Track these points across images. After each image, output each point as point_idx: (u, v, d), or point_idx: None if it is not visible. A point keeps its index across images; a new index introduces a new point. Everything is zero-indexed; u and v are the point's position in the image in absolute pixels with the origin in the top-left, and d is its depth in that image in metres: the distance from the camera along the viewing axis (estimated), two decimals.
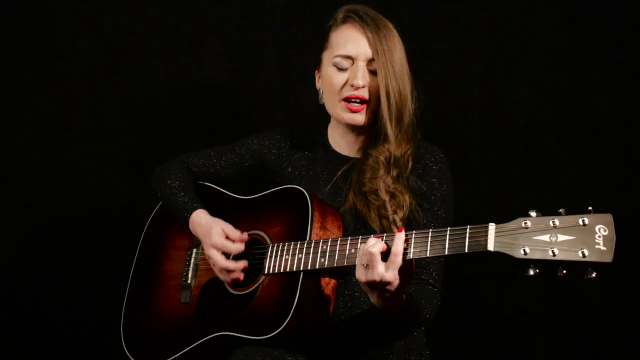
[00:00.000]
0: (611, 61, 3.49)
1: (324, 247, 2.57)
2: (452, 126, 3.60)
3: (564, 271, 2.11)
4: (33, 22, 3.63)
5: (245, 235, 2.75)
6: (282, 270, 2.63)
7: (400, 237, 2.36)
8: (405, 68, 2.79)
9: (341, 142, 2.91)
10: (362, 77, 2.75)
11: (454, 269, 2.83)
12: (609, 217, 2.09)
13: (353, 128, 2.84)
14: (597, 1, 3.48)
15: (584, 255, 2.06)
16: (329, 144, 2.94)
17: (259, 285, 2.68)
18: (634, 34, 3.46)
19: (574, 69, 3.52)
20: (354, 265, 2.44)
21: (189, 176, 3.00)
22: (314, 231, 2.64)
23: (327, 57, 2.83)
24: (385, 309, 2.45)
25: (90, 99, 3.67)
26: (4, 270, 3.64)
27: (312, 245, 2.60)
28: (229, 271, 2.72)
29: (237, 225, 2.79)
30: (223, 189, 2.99)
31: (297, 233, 2.67)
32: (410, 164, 2.77)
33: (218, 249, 2.74)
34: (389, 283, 2.35)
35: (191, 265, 2.90)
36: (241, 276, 2.72)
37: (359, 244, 2.50)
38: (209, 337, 2.70)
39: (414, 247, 2.36)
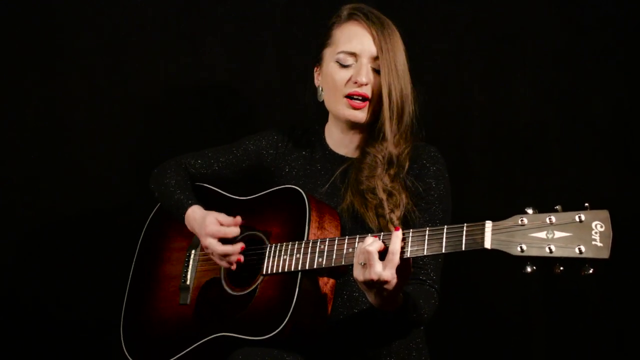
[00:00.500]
0: (611, 61, 3.48)
1: (322, 246, 2.57)
2: (452, 126, 3.59)
3: (561, 268, 2.10)
4: (33, 22, 3.63)
5: (238, 219, 2.75)
6: (280, 271, 2.63)
7: (397, 235, 2.36)
8: (407, 69, 2.80)
9: (339, 142, 2.91)
10: (366, 74, 2.75)
11: (451, 267, 2.82)
12: (605, 214, 2.08)
13: (352, 126, 2.84)
14: (597, 1, 3.48)
15: (580, 252, 2.06)
16: (326, 143, 2.94)
17: (257, 286, 2.67)
18: (634, 34, 3.46)
19: (574, 69, 3.52)
20: (352, 265, 2.44)
21: (186, 176, 3.00)
22: (312, 231, 2.64)
23: (329, 54, 2.83)
24: (382, 308, 2.45)
25: (90, 99, 3.67)
26: (4, 270, 3.64)
27: (310, 245, 2.59)
28: (227, 256, 2.72)
29: None
30: (221, 189, 2.99)
31: (295, 233, 2.67)
32: (407, 164, 2.77)
33: (214, 236, 2.74)
34: (386, 282, 2.34)
35: (190, 266, 2.90)
36: (241, 257, 2.71)
37: (356, 243, 2.50)
38: (208, 338, 2.70)
39: (411, 246, 2.36)
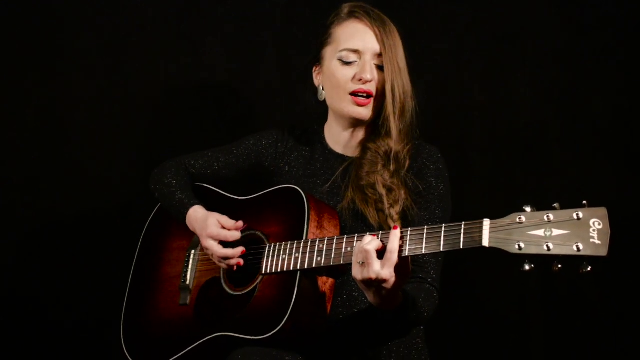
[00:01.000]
0: (611, 61, 3.48)
1: (321, 245, 2.57)
2: (452, 126, 3.60)
3: (559, 266, 2.10)
4: (33, 22, 3.64)
5: (240, 224, 2.76)
6: (279, 270, 2.63)
7: (395, 234, 2.36)
8: (407, 66, 2.81)
9: (339, 140, 2.91)
10: (370, 71, 2.76)
11: (450, 266, 2.82)
12: (603, 211, 2.08)
13: (354, 123, 2.84)
14: (597, 1, 3.48)
15: (578, 249, 2.06)
16: (326, 142, 2.94)
17: (256, 285, 2.67)
18: (634, 34, 3.46)
19: (574, 69, 3.52)
20: (351, 264, 2.44)
21: (187, 176, 3.00)
22: (311, 230, 2.64)
23: (330, 52, 2.83)
24: (382, 307, 2.45)
25: (90, 99, 3.68)
26: (4, 270, 3.64)
27: (309, 244, 2.59)
28: (228, 259, 2.73)
29: None
30: (221, 189, 2.99)
31: (294, 232, 2.67)
32: (408, 162, 2.77)
33: (214, 238, 2.74)
34: (385, 281, 2.34)
35: (190, 266, 2.90)
36: (241, 261, 2.72)
37: (355, 242, 2.49)
38: (207, 338, 2.69)
39: (409, 244, 2.36)
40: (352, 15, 2.82)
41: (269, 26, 3.69)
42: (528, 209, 2.16)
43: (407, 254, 2.36)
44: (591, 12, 3.50)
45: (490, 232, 2.20)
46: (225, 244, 2.75)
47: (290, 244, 2.64)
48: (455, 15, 3.60)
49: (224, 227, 2.76)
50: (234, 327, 2.63)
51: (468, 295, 3.54)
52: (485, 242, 2.20)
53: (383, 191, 2.71)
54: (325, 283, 2.64)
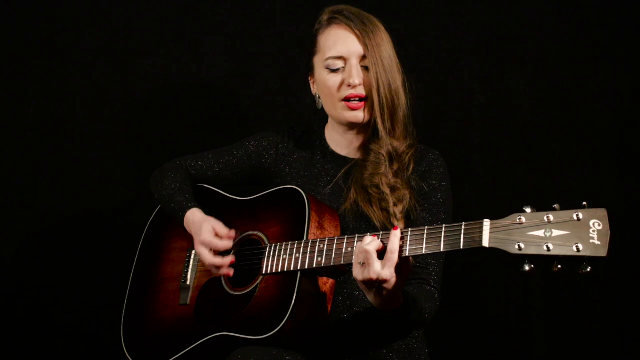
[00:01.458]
0: (611, 61, 3.48)
1: (321, 246, 2.57)
2: (452, 126, 3.59)
3: (559, 266, 2.11)
4: (33, 22, 3.63)
5: (232, 233, 2.76)
6: (279, 270, 2.63)
7: (396, 234, 2.36)
8: (395, 61, 2.80)
9: (340, 142, 2.91)
10: (357, 75, 2.76)
11: (450, 267, 2.82)
12: (603, 212, 2.08)
13: (354, 126, 2.84)
14: (597, 1, 3.48)
15: (578, 250, 2.06)
16: (327, 144, 2.94)
17: (257, 286, 2.68)
18: (634, 33, 3.46)
19: (574, 69, 3.52)
20: (352, 264, 2.44)
21: (187, 178, 3.00)
22: (311, 231, 2.64)
23: (318, 61, 2.84)
24: (382, 308, 2.45)
25: (90, 99, 3.67)
26: (4, 270, 3.64)
27: (309, 244, 2.59)
28: (218, 267, 2.73)
29: (235, 226, 2.79)
30: (221, 190, 2.99)
31: (294, 233, 2.67)
32: (412, 164, 2.78)
33: (206, 246, 2.75)
34: (385, 281, 2.35)
35: (190, 266, 2.90)
36: (230, 272, 2.72)
37: (355, 242, 2.50)
38: (207, 338, 2.70)
39: (409, 245, 2.36)
40: (331, 22, 2.82)
41: (269, 26, 3.68)
42: (528, 210, 2.17)
43: (407, 254, 2.36)
44: (591, 12, 3.50)
45: (490, 233, 2.20)
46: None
47: (291, 244, 2.64)
48: (455, 15, 3.60)
49: (217, 235, 2.76)
50: (234, 327, 2.64)
51: (468, 295, 3.54)
52: (486, 243, 2.20)
53: (387, 190, 2.71)
54: (326, 283, 2.65)
